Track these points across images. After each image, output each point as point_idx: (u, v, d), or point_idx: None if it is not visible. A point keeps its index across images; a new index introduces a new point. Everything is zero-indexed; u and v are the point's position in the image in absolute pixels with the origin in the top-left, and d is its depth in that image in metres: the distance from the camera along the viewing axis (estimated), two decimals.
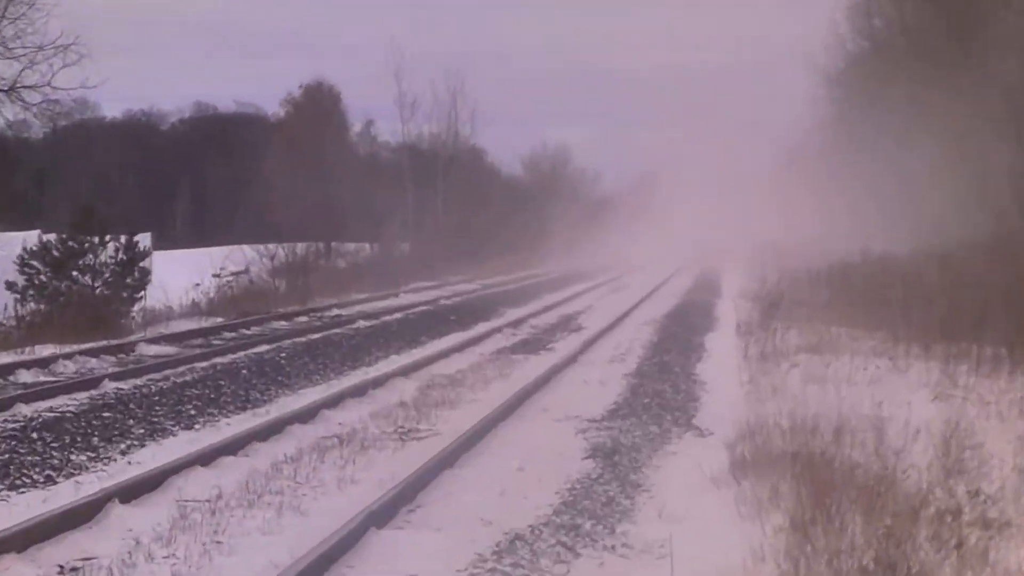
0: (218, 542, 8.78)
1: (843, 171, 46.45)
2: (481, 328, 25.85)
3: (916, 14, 39.48)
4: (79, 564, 8.23)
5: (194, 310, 28.71)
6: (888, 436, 11.10)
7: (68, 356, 18.95)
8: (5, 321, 24.28)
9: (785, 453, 10.57)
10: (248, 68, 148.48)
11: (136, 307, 27.38)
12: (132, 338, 22.52)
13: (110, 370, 17.76)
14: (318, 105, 67.18)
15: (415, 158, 66.81)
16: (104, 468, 11.42)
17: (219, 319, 26.92)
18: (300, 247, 41.15)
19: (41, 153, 77.47)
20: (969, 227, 29.66)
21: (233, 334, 23.86)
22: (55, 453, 11.97)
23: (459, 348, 21.54)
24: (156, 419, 14.00)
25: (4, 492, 10.41)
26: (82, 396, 15.33)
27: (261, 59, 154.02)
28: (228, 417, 14.39)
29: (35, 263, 26.82)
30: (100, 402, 15.00)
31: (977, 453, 10.62)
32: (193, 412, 14.59)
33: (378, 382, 16.74)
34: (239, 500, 9.93)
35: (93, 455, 11.95)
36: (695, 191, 77.71)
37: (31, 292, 26.45)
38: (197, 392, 16.01)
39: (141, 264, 28.18)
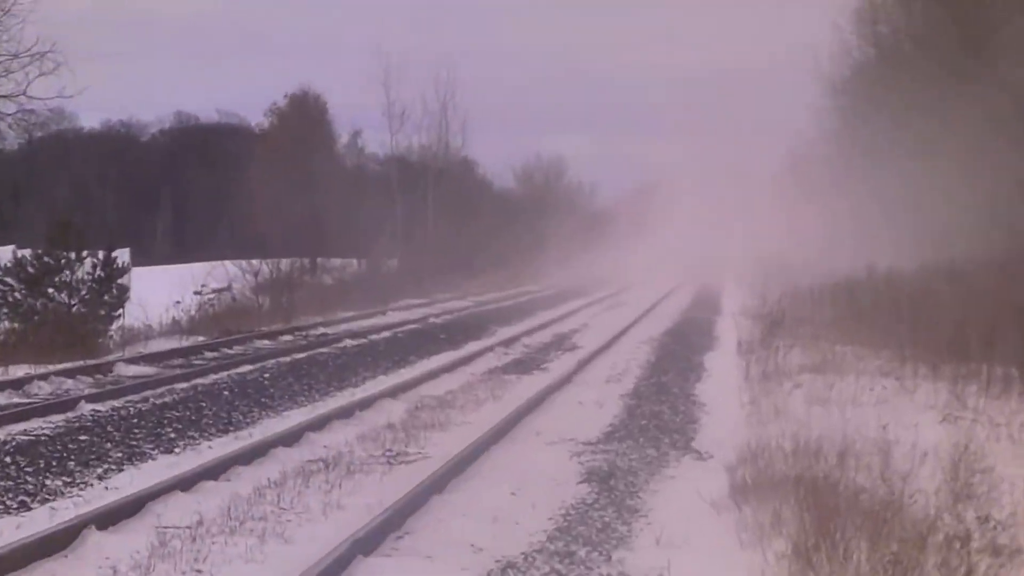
0: (199, 571, 8.77)
1: (848, 183, 46.51)
2: (472, 347, 25.84)
3: (924, 20, 39.61)
4: None
5: (174, 329, 28.69)
6: (894, 459, 11.11)
7: (43, 377, 18.90)
8: None
9: (788, 477, 10.57)
10: (231, 77, 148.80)
11: (114, 326, 27.34)
12: (110, 358, 22.49)
13: (87, 391, 17.72)
14: (304, 115, 67.31)
15: (404, 170, 66.85)
16: (80, 493, 11.40)
17: (200, 338, 26.90)
18: (284, 263, 41.09)
19: (16, 165, 77.37)
20: (980, 241, 29.70)
21: (215, 354, 23.84)
22: (29, 478, 11.95)
23: (449, 368, 21.54)
24: (135, 442, 13.99)
25: None
26: (57, 418, 15.30)
27: (245, 68, 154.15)
28: (209, 440, 14.38)
29: (9, 280, 26.79)
30: (76, 425, 14.98)
31: (987, 477, 10.62)
32: (173, 435, 14.57)
33: (365, 403, 16.74)
34: (221, 526, 9.92)
35: (69, 480, 11.94)
36: (695, 204, 77.85)
37: (4, 310, 26.43)
38: (177, 414, 15.99)
39: (119, 281, 28.14)
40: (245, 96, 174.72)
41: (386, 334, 28.98)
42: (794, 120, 61.89)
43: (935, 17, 38.51)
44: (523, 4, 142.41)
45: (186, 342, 25.98)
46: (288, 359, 22.78)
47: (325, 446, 13.68)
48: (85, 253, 27.56)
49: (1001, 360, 16.87)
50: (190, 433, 14.72)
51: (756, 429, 13.79)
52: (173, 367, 21.45)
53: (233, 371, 20.68)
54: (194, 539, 9.51)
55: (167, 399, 17.26)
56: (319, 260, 57.60)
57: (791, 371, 19.12)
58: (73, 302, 26.85)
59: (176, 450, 13.71)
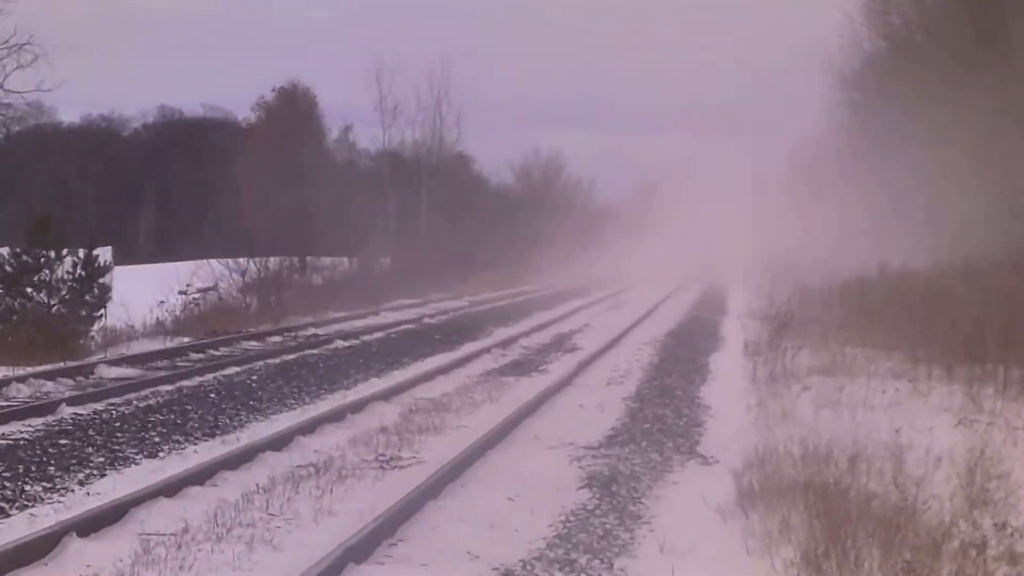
0: None
1: (859, 178, 46.48)
2: (468, 348, 25.85)
3: (937, 9, 39.62)
4: None
5: (158, 329, 28.67)
6: (908, 464, 11.12)
7: (22, 379, 18.87)
8: None
9: (796, 483, 10.58)
10: (216, 71, 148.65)
11: (96, 326, 27.30)
12: (91, 360, 22.48)
13: (67, 394, 17.70)
14: (293, 109, 67.19)
15: (397, 166, 66.81)
16: (61, 499, 11.39)
17: (186, 339, 26.88)
18: (273, 261, 41.07)
19: None
20: (997, 238, 29.68)
21: (201, 355, 23.83)
22: (7, 483, 11.93)
23: (444, 370, 21.54)
24: (117, 447, 13.98)
25: None
26: (37, 422, 15.29)
27: (231, 61, 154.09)
28: (195, 444, 14.37)
29: None
30: (56, 428, 14.97)
31: (1004, 483, 10.63)
32: (157, 439, 14.56)
33: (357, 406, 16.74)
34: (207, 533, 9.91)
35: (49, 485, 11.92)
36: (699, 201, 77.83)
37: None
38: (162, 417, 15.98)
39: (101, 280, 28.10)
40: (231, 90, 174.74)
41: (379, 335, 28.98)
42: (803, 114, 61.98)
43: (948, 7, 38.53)
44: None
45: (171, 343, 25.96)
46: (277, 361, 22.77)
47: (315, 450, 13.68)
48: (65, 251, 27.50)
49: (1018, 361, 16.88)
50: (175, 437, 14.71)
51: (763, 433, 13.80)
52: (157, 369, 21.42)
53: (220, 373, 20.66)
54: (179, 546, 9.50)
55: (151, 402, 17.25)
56: (309, 259, 57.51)
57: (799, 373, 19.13)
58: (53, 302, 26.81)
59: (160, 454, 13.70)
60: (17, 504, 11.15)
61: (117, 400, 17.23)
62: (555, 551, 9.51)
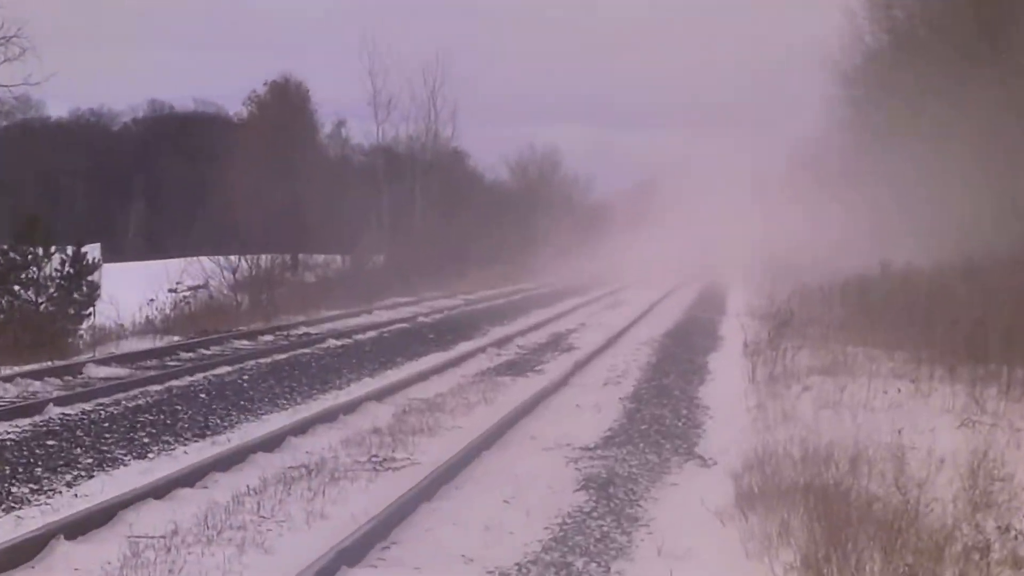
0: None
1: (861, 176, 46.53)
2: (463, 348, 25.85)
3: (940, 3, 39.62)
4: None
5: (148, 328, 28.65)
6: (909, 466, 11.12)
7: (8, 379, 18.88)
8: None
9: (796, 485, 10.57)
10: (208, 65, 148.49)
11: (84, 325, 27.29)
12: (80, 359, 22.47)
13: (55, 394, 17.70)
14: (285, 104, 67.21)
15: (391, 162, 66.75)
16: (48, 501, 11.38)
17: (175, 338, 26.86)
18: (264, 259, 41.03)
19: None
20: (1000, 236, 29.69)
21: (191, 354, 23.82)
22: None
23: (439, 370, 21.55)
24: (106, 447, 13.97)
25: None
26: (24, 422, 15.28)
27: (222, 56, 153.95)
28: (185, 445, 14.36)
29: None
30: (44, 429, 14.96)
31: (1007, 485, 10.63)
32: (147, 440, 14.55)
33: (350, 407, 16.74)
34: (197, 536, 9.91)
35: (36, 487, 11.92)
36: (699, 199, 77.76)
37: None
38: (151, 418, 15.97)
39: (90, 278, 28.09)
40: (222, 85, 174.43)
41: (372, 334, 28.97)
42: (804, 111, 61.99)
43: (951, 0, 38.53)
44: None
45: (160, 342, 25.94)
46: (268, 360, 22.76)
47: (308, 451, 13.68)
48: (53, 249, 27.48)
49: (1022, 361, 16.87)
50: (164, 438, 14.71)
51: (763, 434, 13.79)
52: (147, 368, 21.42)
53: (210, 373, 20.65)
54: (169, 549, 9.50)
55: (140, 402, 17.24)
56: (301, 256, 57.48)
57: (800, 373, 19.13)
58: (41, 300, 26.80)
59: (150, 456, 13.69)
60: (3, 506, 11.14)
61: (106, 400, 17.22)
62: (551, 554, 9.51)
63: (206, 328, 28.64)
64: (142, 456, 13.64)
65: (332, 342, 26.39)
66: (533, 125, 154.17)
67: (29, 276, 26.97)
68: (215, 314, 31.92)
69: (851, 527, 8.75)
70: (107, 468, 12.94)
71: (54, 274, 27.28)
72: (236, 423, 15.95)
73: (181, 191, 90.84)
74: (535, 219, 74.59)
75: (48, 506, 11.17)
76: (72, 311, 27.31)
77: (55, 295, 27.09)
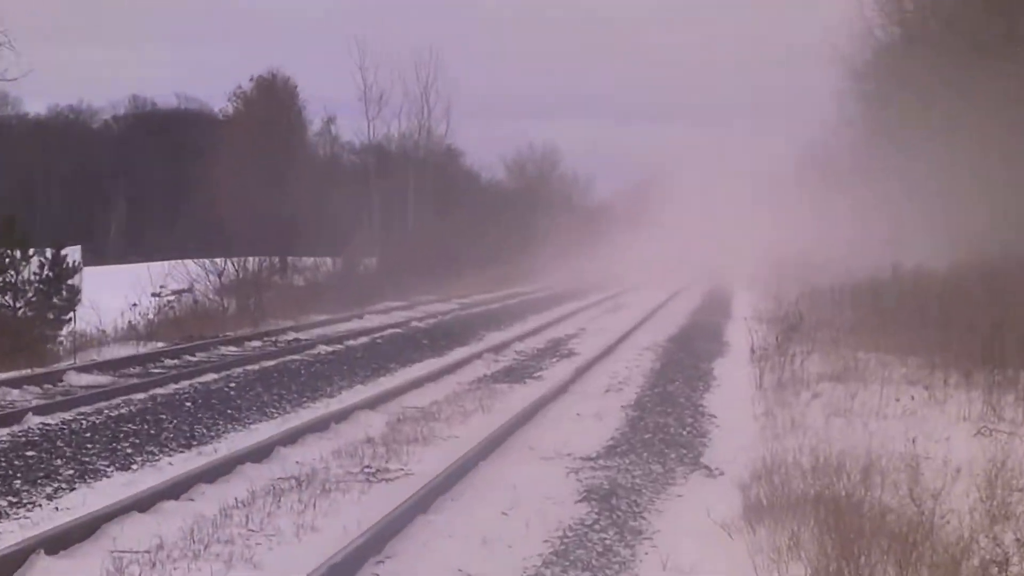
0: None
1: (872, 174, 46.57)
2: (459, 354, 25.85)
3: None
4: None
5: (131, 334, 28.64)
6: (924, 476, 11.13)
7: None
8: None
9: (806, 496, 10.58)
10: (190, 58, 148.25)
11: (64, 330, 27.32)
12: (60, 366, 22.45)
13: (34, 402, 17.69)
14: (272, 100, 67.32)
15: (382, 160, 66.83)
16: (27, 515, 11.37)
17: (159, 344, 26.86)
18: (251, 262, 41.07)
19: None
20: (1019, 235, 29.71)
21: (175, 361, 23.80)
22: None
23: (433, 377, 21.54)
24: (87, 458, 13.97)
25: None
26: (1, 432, 15.24)
27: (206, 48, 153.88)
28: (170, 456, 14.36)
29: None
30: (23, 439, 14.94)
31: None
32: (130, 450, 14.55)
33: (341, 415, 16.73)
34: (183, 550, 9.90)
35: (15, 500, 11.91)
36: (703, 198, 77.86)
37: None
38: (134, 427, 15.96)
39: (69, 281, 28.13)
40: (207, 80, 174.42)
41: (364, 340, 28.96)
42: (812, 107, 62.07)
43: None
44: None
45: (144, 348, 25.92)
46: (256, 367, 22.75)
47: (298, 462, 13.67)
48: (32, 251, 27.51)
49: None
50: (148, 448, 14.70)
51: (771, 443, 13.80)
52: (129, 376, 21.41)
53: (196, 380, 20.63)
54: (153, 564, 9.49)
55: (123, 411, 17.22)
56: (289, 259, 57.54)
57: (809, 380, 19.15)
58: (19, 305, 26.84)
59: (133, 467, 13.69)
60: None
61: (87, 409, 17.19)
62: (552, 568, 9.51)
63: (191, 334, 28.64)
64: (125, 467, 13.63)
65: (322, 348, 26.38)
66: (531, 123, 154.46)
67: (6, 280, 26.99)
68: (200, 319, 31.92)
69: (864, 540, 8.75)
70: (89, 480, 12.93)
71: (32, 278, 27.32)
72: (223, 433, 15.95)
73: (164, 191, 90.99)
74: (533, 219, 74.61)
75: (27, 520, 11.16)
76: (52, 316, 27.34)
77: (34, 299, 27.14)
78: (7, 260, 27.05)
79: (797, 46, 72.33)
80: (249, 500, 11.65)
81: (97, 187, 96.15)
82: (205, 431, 15.97)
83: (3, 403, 17.92)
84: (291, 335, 29.76)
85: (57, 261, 27.88)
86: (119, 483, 12.73)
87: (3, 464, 13.47)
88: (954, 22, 38.64)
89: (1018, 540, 9.16)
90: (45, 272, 27.51)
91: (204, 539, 10.24)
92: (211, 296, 37.30)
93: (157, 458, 14.19)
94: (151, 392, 19.04)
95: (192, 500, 11.75)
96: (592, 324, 34.89)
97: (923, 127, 39.02)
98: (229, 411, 17.58)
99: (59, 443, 14.75)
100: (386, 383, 20.89)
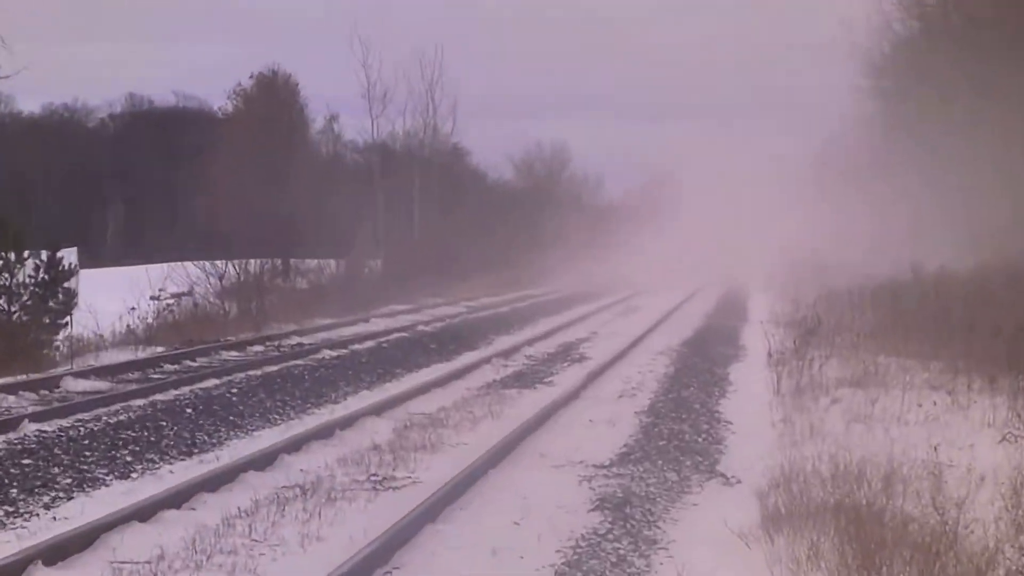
0: None
1: (892, 172, 46.51)
2: (467, 358, 25.86)
3: None
4: None
5: (129, 338, 28.67)
6: (947, 485, 11.11)
7: None
8: None
9: (826, 505, 10.58)
10: (189, 58, 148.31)
11: (61, 335, 27.29)
12: (57, 371, 22.49)
13: (30, 409, 17.71)
14: (272, 97, 67.23)
15: (386, 159, 66.63)
16: (24, 525, 11.40)
17: (159, 349, 26.89)
18: (253, 264, 41.03)
19: None
20: None
21: (176, 366, 23.83)
22: None
23: (441, 382, 21.55)
24: (86, 467, 13.99)
25: None
26: None
27: (205, 47, 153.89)
28: (171, 464, 14.38)
29: None
30: (19, 447, 14.96)
31: None
32: (129, 458, 14.57)
33: (347, 422, 16.74)
34: (185, 561, 9.92)
35: (11, 509, 11.93)
36: (718, 197, 77.75)
37: None
38: (134, 435, 15.98)
39: (66, 284, 28.08)
40: (206, 79, 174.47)
41: (369, 344, 28.97)
42: (829, 104, 61.96)
43: None
44: None
45: (143, 353, 25.97)
46: (259, 372, 22.76)
47: (302, 470, 13.69)
48: (27, 253, 27.47)
49: None
50: (149, 456, 14.72)
51: (789, 450, 13.80)
52: (128, 382, 21.44)
53: (196, 386, 20.65)
54: (154, 575, 9.50)
55: (122, 418, 17.25)
56: (292, 261, 57.49)
57: (828, 385, 19.13)
58: (13, 309, 26.80)
59: (133, 475, 13.70)
60: None
61: (85, 416, 17.22)
62: None
63: (191, 338, 28.67)
64: (125, 475, 13.65)
65: (327, 353, 26.40)
66: (531, 123, 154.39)
67: (1, 283, 26.96)
68: (201, 323, 31.94)
69: (885, 550, 8.75)
70: (87, 488, 12.95)
71: (28, 281, 27.25)
72: (225, 440, 15.97)
73: (162, 191, 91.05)
74: (542, 220, 74.50)
75: (24, 530, 11.18)
76: (48, 320, 27.31)
77: (29, 303, 27.08)
78: (1, 263, 27.02)
79: (813, 42, 72.14)
80: (252, 509, 11.67)
81: (94, 187, 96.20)
82: (207, 438, 15.99)
83: None
84: (294, 339, 29.79)
85: (53, 263, 27.81)
86: (118, 492, 12.76)
87: None
88: (975, 15, 38.59)
89: None
90: (40, 275, 27.44)
91: (206, 549, 10.25)
92: (212, 299, 37.29)
93: (157, 466, 14.21)
94: (151, 398, 19.07)
95: (194, 509, 11.77)
96: (604, 328, 34.87)
97: (943, 122, 38.99)
98: (231, 418, 17.61)
99: (56, 451, 14.78)
100: (392, 389, 20.90)
